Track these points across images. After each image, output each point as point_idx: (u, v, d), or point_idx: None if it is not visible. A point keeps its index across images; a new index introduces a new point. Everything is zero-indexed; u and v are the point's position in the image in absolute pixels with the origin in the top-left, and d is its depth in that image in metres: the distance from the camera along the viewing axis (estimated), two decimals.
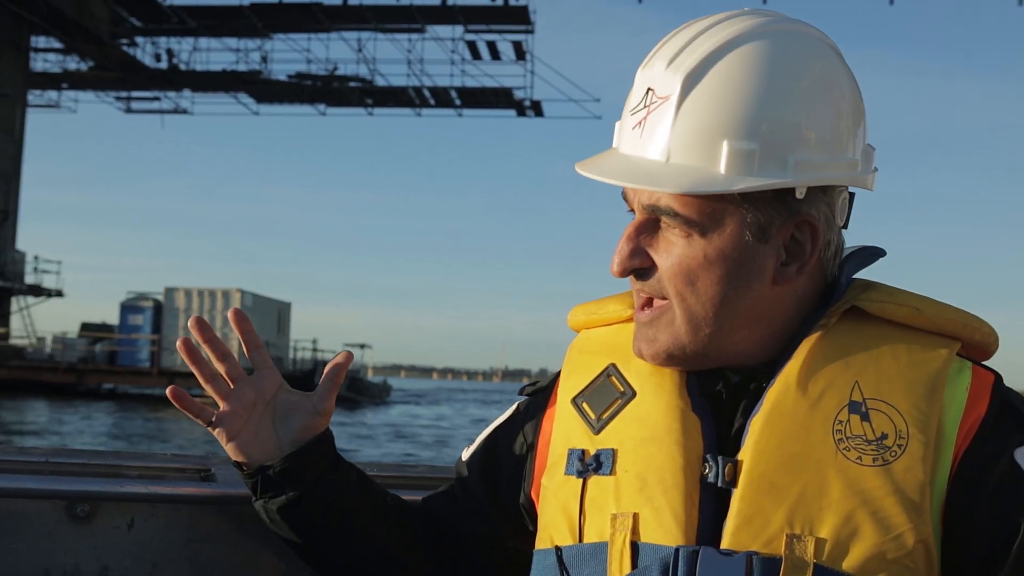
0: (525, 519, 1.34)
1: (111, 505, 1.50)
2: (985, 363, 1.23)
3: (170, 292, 33.99)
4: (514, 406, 1.43)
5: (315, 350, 41.48)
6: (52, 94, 43.30)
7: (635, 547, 1.15)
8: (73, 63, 40.56)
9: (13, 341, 36.51)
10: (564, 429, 1.28)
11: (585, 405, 1.27)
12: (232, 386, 1.34)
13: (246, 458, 1.34)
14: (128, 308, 34.57)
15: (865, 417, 1.13)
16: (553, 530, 1.24)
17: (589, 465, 1.22)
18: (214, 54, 47.95)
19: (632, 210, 1.23)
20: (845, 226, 1.25)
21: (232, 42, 39.79)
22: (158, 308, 34.07)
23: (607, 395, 1.26)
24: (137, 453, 1.61)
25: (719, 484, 1.14)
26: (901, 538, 1.09)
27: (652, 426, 1.20)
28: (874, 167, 1.24)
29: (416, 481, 1.64)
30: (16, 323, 37.38)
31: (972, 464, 1.13)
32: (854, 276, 1.26)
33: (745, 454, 1.14)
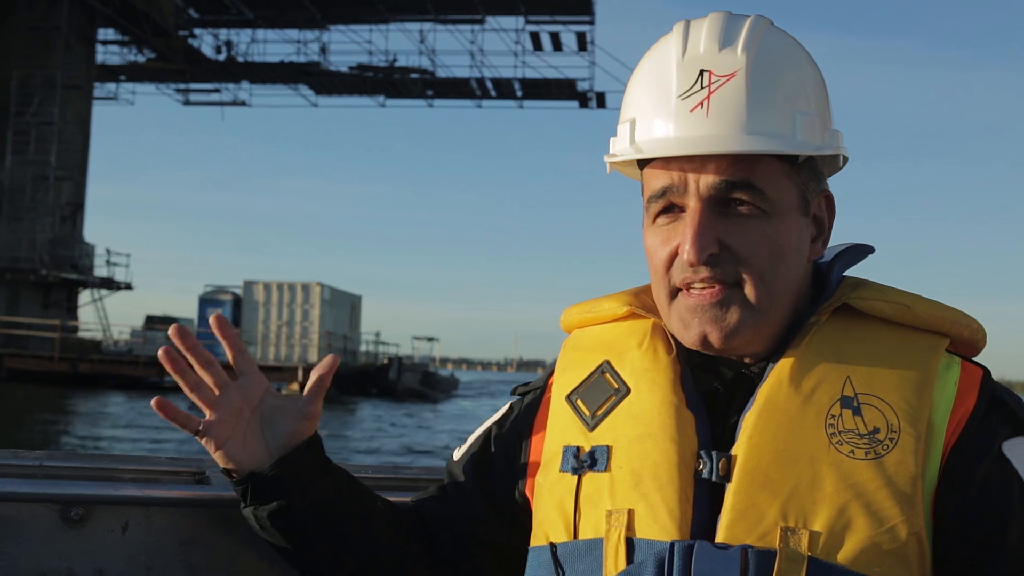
0: (520, 517, 1.34)
1: (105, 509, 1.50)
2: (974, 359, 1.25)
3: (249, 285, 34.01)
4: (507, 405, 1.43)
5: (378, 343, 41.44)
6: (110, 86, 43.14)
7: (630, 543, 1.15)
8: (131, 55, 40.48)
9: (83, 334, 36.41)
10: (559, 426, 1.29)
11: (580, 402, 1.28)
12: (217, 393, 1.32)
13: (235, 465, 1.33)
14: (207, 301, 34.34)
15: (857, 412, 1.15)
16: (548, 527, 1.25)
17: (584, 462, 1.22)
18: (270, 45, 48.34)
19: (673, 204, 1.21)
20: None
21: (290, 34, 39.74)
22: (237, 302, 33.98)
23: (601, 392, 1.27)
24: (131, 456, 1.60)
25: (713, 479, 1.15)
26: (894, 530, 1.10)
27: (647, 422, 1.20)
28: None
29: (410, 483, 1.64)
30: (84, 316, 37.84)
31: (961, 457, 1.14)
32: (844, 274, 1.29)
33: (739, 449, 1.15)
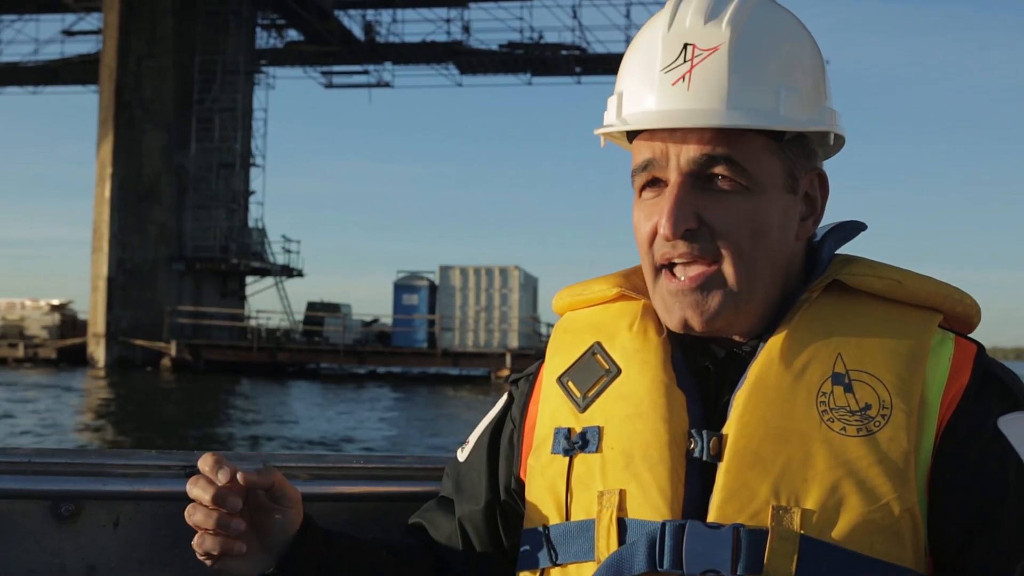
0: (520, 507, 1.31)
1: (96, 504, 1.50)
2: (968, 335, 1.23)
3: (445, 271, 33.64)
4: (503, 397, 1.41)
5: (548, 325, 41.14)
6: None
7: (622, 523, 1.15)
8: (271, 39, 40.11)
9: (258, 322, 36.17)
10: (550, 408, 1.28)
11: (570, 384, 1.27)
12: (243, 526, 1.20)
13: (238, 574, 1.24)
14: (402, 288, 33.95)
15: (848, 388, 1.14)
16: (540, 509, 1.24)
17: (575, 443, 1.22)
18: (408, 25, 48.10)
19: (656, 178, 1.20)
20: None
21: (427, 12, 39.41)
22: (432, 287, 33.62)
23: (592, 373, 1.26)
24: (121, 451, 1.60)
25: (704, 458, 1.14)
26: (887, 507, 1.09)
27: (637, 402, 1.20)
28: None
29: (404, 472, 1.62)
30: (258, 304, 38.54)
31: (956, 433, 1.13)
32: (836, 252, 1.27)
33: (730, 428, 1.14)
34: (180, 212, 34.44)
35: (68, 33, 43.03)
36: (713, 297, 1.18)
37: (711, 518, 1.11)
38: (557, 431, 1.24)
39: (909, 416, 1.12)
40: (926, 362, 1.15)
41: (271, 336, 34.42)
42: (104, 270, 32.15)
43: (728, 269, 1.17)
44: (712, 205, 1.17)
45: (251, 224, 36.81)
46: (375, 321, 35.57)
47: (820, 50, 1.24)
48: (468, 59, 40.43)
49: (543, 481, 1.24)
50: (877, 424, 1.11)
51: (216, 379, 27.93)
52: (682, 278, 1.19)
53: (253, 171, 37.15)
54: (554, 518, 1.21)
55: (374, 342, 33.87)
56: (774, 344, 1.17)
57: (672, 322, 1.21)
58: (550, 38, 39.89)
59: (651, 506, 1.13)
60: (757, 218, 1.17)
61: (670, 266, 1.20)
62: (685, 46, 1.18)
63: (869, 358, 1.15)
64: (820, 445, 1.11)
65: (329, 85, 43.08)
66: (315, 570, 1.25)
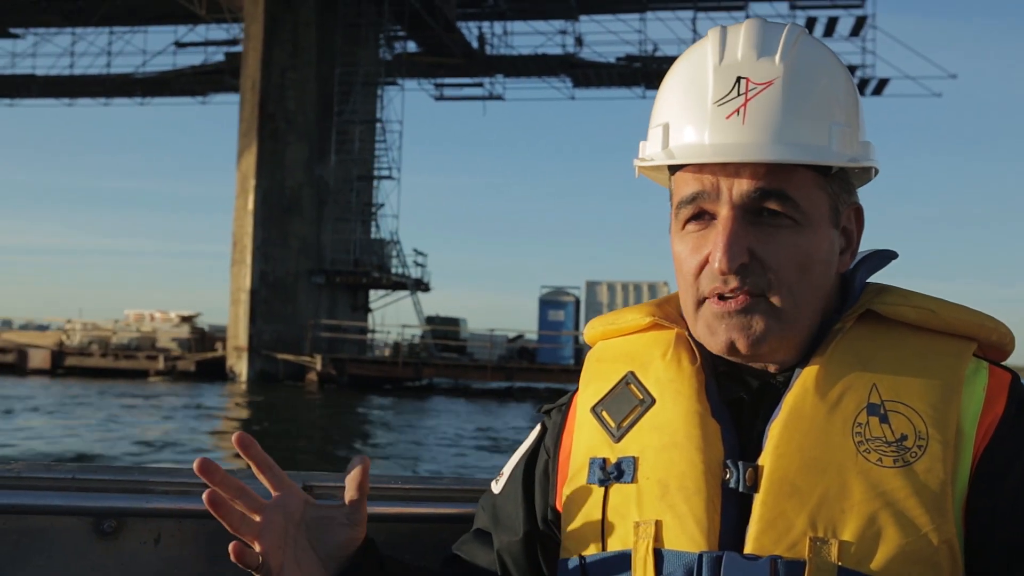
0: (558, 538, 1.31)
1: (138, 521, 1.52)
2: (1002, 363, 1.23)
3: (592, 286, 33.56)
4: (537, 427, 1.41)
5: None
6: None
7: (658, 554, 1.15)
8: (384, 52, 39.60)
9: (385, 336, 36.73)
10: (585, 438, 1.28)
11: (605, 413, 1.28)
12: (258, 519, 1.21)
13: None
14: (547, 303, 33.71)
15: (884, 419, 1.14)
16: (576, 540, 1.24)
17: (611, 473, 1.22)
18: (516, 38, 47.92)
19: (704, 210, 1.20)
20: None
21: (538, 25, 39.43)
22: (577, 303, 33.48)
23: (626, 403, 1.27)
24: (163, 469, 1.62)
25: (740, 489, 1.14)
26: (925, 538, 1.09)
27: (672, 432, 1.20)
28: None
29: (442, 493, 1.63)
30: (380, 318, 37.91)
31: (992, 462, 1.13)
32: (867, 280, 1.28)
33: (766, 458, 1.14)
34: (319, 225, 34.39)
35: (180, 45, 43.60)
36: (758, 321, 1.17)
37: (748, 549, 1.11)
38: (592, 461, 1.24)
39: (945, 446, 1.12)
40: (961, 392, 1.15)
41: (412, 351, 34.20)
42: (246, 283, 32.03)
43: (776, 299, 1.17)
44: (763, 239, 1.17)
45: (386, 237, 36.90)
46: (520, 337, 35.26)
47: (854, 83, 1.25)
48: (584, 72, 40.36)
49: (579, 511, 1.24)
50: (913, 455, 1.11)
51: (360, 394, 27.92)
52: (730, 302, 1.19)
53: (388, 184, 37.47)
54: (591, 548, 1.22)
55: (517, 358, 33.61)
56: (809, 374, 1.17)
57: (717, 345, 1.20)
58: (668, 51, 39.90)
59: (688, 537, 1.14)
60: (807, 252, 1.17)
61: (717, 295, 1.20)
62: (739, 79, 1.17)
63: (904, 388, 1.15)
64: (856, 476, 1.11)
65: (440, 97, 43.11)
66: None
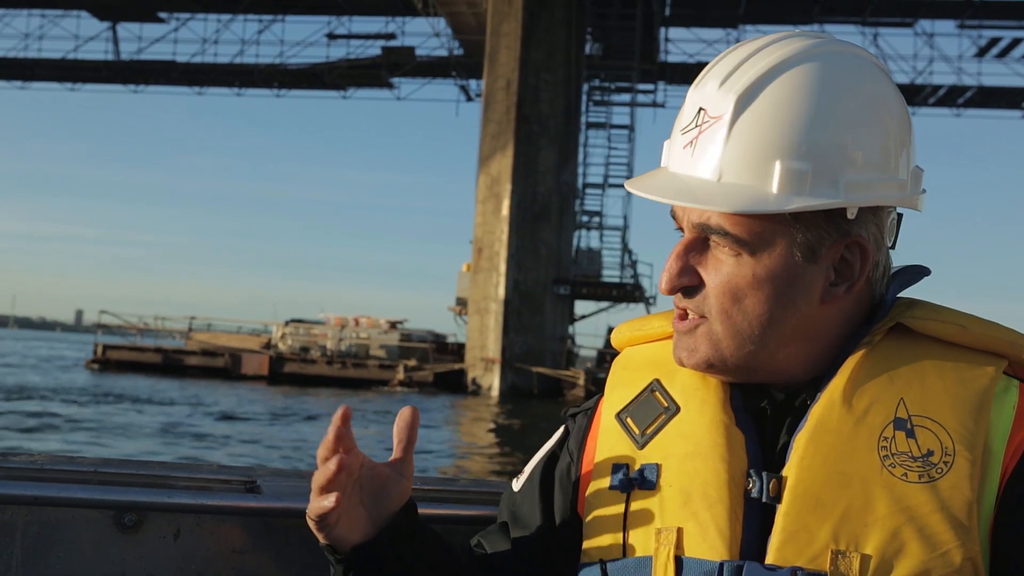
0: (576, 538, 1.31)
1: (158, 515, 1.53)
2: None
3: None
4: (560, 429, 1.41)
5: None
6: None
7: (679, 561, 1.15)
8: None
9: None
10: (608, 444, 1.28)
11: (629, 420, 1.28)
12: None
13: (340, 541, 1.24)
14: None
15: (911, 434, 1.13)
16: (597, 544, 1.24)
17: (633, 480, 1.22)
18: (673, 44, 46.45)
19: (680, 228, 1.23)
20: (893, 246, 1.25)
21: (705, 32, 40.28)
22: None
23: (651, 410, 1.26)
24: (184, 464, 1.63)
25: (763, 499, 1.14)
26: (948, 555, 1.08)
27: (696, 441, 1.20)
28: (923, 188, 1.23)
29: (460, 495, 1.63)
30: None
31: (1021, 482, 1.11)
32: (899, 295, 1.26)
33: (790, 470, 1.14)
34: (560, 233, 32.95)
35: (332, 36, 42.78)
36: (701, 345, 1.20)
37: (769, 560, 1.11)
38: (615, 467, 1.24)
39: (972, 464, 1.11)
40: (990, 409, 1.14)
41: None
42: (498, 292, 30.71)
43: (716, 325, 1.19)
44: (708, 265, 1.19)
45: (614, 246, 36.21)
46: None
47: (873, 118, 1.16)
48: None
49: (601, 516, 1.24)
50: (939, 471, 1.10)
51: None
52: (681, 322, 1.22)
53: (613, 192, 36.45)
54: (611, 553, 1.22)
55: None
56: (836, 386, 1.17)
57: (675, 358, 1.24)
58: None
59: (709, 545, 1.14)
60: (745, 283, 1.16)
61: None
62: (700, 110, 1.17)
63: (932, 404, 1.14)
64: (881, 490, 1.10)
65: (600, 102, 40.96)
66: (405, 549, 1.25)
